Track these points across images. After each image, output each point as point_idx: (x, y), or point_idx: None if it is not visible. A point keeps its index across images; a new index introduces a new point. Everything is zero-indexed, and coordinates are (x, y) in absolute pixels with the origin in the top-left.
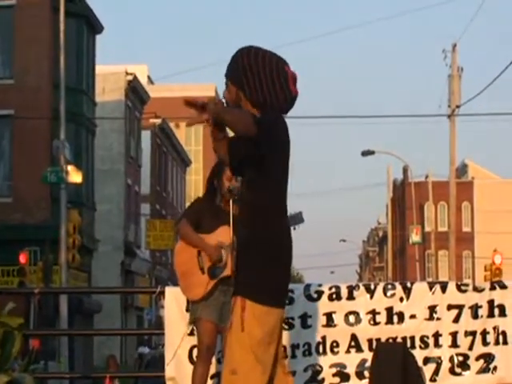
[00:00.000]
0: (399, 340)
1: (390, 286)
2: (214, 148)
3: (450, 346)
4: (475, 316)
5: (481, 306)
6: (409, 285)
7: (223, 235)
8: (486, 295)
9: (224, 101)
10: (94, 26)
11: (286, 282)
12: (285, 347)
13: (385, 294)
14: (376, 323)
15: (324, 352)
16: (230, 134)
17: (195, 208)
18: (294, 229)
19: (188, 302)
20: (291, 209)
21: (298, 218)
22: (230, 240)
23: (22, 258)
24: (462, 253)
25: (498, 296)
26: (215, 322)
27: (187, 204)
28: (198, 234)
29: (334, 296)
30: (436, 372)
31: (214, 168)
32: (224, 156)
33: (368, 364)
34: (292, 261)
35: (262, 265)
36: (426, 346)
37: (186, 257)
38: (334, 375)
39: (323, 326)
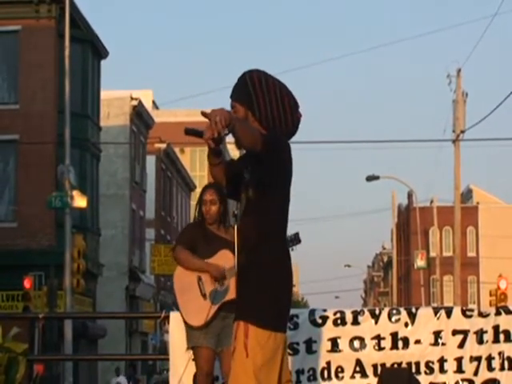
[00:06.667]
0: (404, 365)
1: (394, 311)
2: (211, 173)
3: (455, 372)
4: (480, 341)
5: (486, 332)
6: (414, 310)
7: (223, 259)
8: (491, 320)
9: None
10: (99, 51)
11: (288, 306)
12: (289, 372)
13: (390, 319)
14: (381, 348)
15: (329, 377)
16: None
17: (188, 234)
18: (292, 250)
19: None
20: (291, 232)
21: (296, 239)
22: (232, 264)
23: (27, 283)
24: (467, 278)
25: (504, 321)
26: (213, 349)
27: None
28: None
29: (339, 321)
30: None
31: (200, 196)
32: (221, 181)
33: None
34: (293, 284)
35: (265, 289)
36: (431, 371)
37: (186, 283)
38: None
39: (328, 351)
